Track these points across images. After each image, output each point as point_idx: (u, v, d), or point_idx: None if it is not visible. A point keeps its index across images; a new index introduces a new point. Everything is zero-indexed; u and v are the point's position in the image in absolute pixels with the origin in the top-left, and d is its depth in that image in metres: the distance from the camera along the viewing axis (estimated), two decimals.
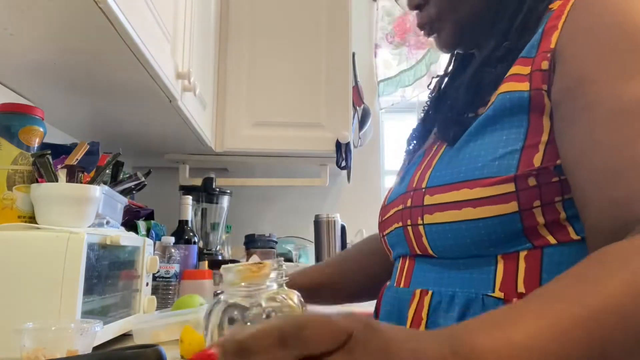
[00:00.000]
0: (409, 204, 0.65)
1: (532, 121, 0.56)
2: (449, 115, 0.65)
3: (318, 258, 1.93)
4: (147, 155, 1.90)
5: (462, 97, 0.64)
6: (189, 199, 1.67)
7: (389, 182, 2.36)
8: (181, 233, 1.61)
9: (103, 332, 0.79)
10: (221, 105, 1.85)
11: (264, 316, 0.53)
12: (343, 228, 2.00)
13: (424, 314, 0.61)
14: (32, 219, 0.88)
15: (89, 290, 0.84)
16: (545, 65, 0.56)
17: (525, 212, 0.54)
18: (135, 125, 1.51)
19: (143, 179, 1.26)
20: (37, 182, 0.89)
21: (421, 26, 0.74)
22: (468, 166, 0.58)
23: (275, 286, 0.56)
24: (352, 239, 2.08)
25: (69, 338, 0.66)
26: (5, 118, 0.90)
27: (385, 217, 0.74)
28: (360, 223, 2.12)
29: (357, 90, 2.12)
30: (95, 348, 0.74)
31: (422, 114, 0.82)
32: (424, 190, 0.62)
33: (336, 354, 0.31)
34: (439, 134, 0.65)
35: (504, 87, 0.59)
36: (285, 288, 0.58)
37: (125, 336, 1.00)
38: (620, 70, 0.51)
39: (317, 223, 1.98)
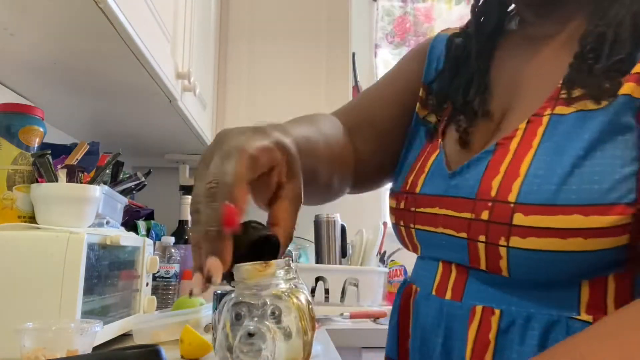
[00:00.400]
0: (485, 217, 0.52)
1: None
2: (591, 62, 0.51)
3: (318, 258, 1.93)
4: (147, 155, 1.90)
5: (624, 41, 0.49)
6: (189, 199, 1.67)
7: None
8: (181, 233, 1.61)
9: (103, 332, 0.79)
10: (221, 105, 1.85)
11: (268, 313, 0.54)
12: (343, 228, 2.00)
13: (491, 337, 0.53)
14: (32, 219, 0.88)
15: (89, 290, 0.84)
16: None
17: (632, 244, 0.47)
18: (135, 125, 1.51)
19: (143, 179, 1.27)
20: (37, 182, 0.89)
21: None
22: (581, 185, 0.47)
23: (282, 284, 0.57)
24: (352, 239, 2.08)
25: (69, 338, 0.66)
26: (5, 118, 0.90)
27: (420, 210, 0.61)
28: (360, 223, 2.12)
29: (357, 90, 2.12)
30: (95, 348, 0.74)
31: (452, 62, 0.67)
32: (512, 205, 0.50)
33: None
34: (585, 87, 0.50)
35: (627, 88, 0.48)
36: (293, 286, 0.58)
37: (125, 336, 1.00)
38: None
39: (317, 223, 1.98)
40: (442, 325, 0.57)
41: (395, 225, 0.67)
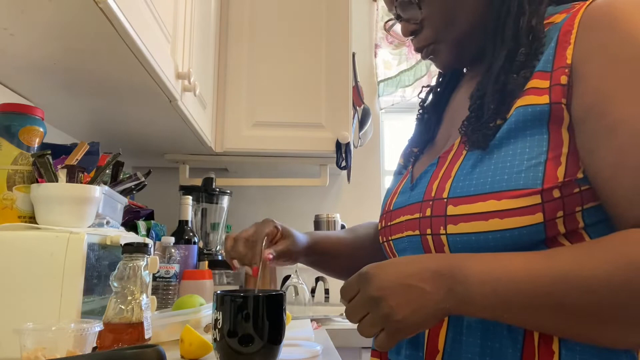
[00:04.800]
0: (428, 213, 0.65)
1: (552, 133, 0.58)
2: (476, 123, 0.64)
3: None
4: (147, 155, 1.90)
5: (488, 105, 0.64)
6: (189, 199, 1.67)
7: (389, 182, 2.36)
8: (181, 233, 1.61)
9: None
10: (221, 105, 1.85)
11: None
12: (343, 228, 2.00)
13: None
14: (32, 219, 0.88)
15: (89, 290, 0.84)
16: (564, 80, 0.58)
17: (549, 223, 0.56)
18: (135, 125, 1.51)
19: (143, 179, 1.26)
20: (37, 182, 0.89)
21: (419, 50, 0.76)
22: (493, 178, 0.59)
23: None
24: None
25: (69, 338, 0.66)
26: (5, 118, 0.90)
27: (392, 222, 0.73)
28: (360, 223, 2.12)
29: (357, 90, 2.12)
30: (95, 348, 0.74)
31: (419, 120, 0.85)
32: (445, 200, 0.62)
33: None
34: (469, 142, 0.64)
35: (522, 101, 0.60)
36: None
37: None
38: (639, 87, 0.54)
39: (317, 223, 1.98)
40: None
41: (382, 244, 0.78)
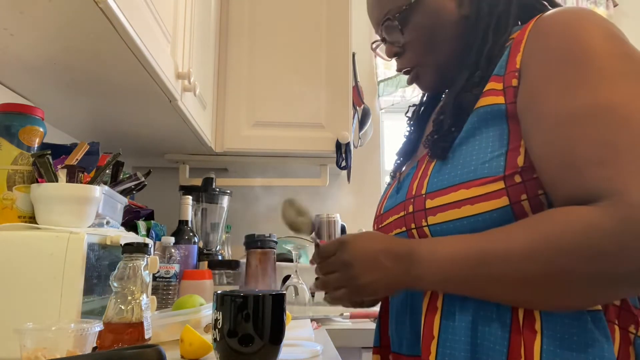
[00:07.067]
0: (410, 209, 0.73)
1: (511, 128, 0.66)
2: (436, 137, 0.73)
3: None
4: (147, 155, 1.90)
5: (446, 120, 0.73)
6: (189, 199, 1.67)
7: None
8: (181, 233, 1.61)
9: None
10: (221, 105, 1.85)
11: None
12: (343, 228, 2.00)
13: (439, 304, 0.69)
14: (32, 219, 0.88)
15: (89, 290, 0.84)
16: (514, 82, 0.67)
17: (515, 205, 0.63)
18: (135, 125, 1.51)
19: (143, 179, 1.27)
20: (37, 182, 0.89)
21: (402, 71, 0.85)
22: (462, 170, 0.67)
23: None
24: None
25: (69, 338, 0.66)
26: (5, 118, 0.90)
27: (383, 224, 0.82)
28: (360, 223, 2.12)
29: (357, 90, 2.12)
30: (95, 348, 0.74)
31: (405, 136, 0.95)
32: (424, 196, 0.71)
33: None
34: (431, 153, 0.73)
35: (482, 102, 0.69)
36: None
37: None
38: (564, 84, 0.62)
39: (317, 223, 1.98)
40: (409, 306, 0.75)
41: None
